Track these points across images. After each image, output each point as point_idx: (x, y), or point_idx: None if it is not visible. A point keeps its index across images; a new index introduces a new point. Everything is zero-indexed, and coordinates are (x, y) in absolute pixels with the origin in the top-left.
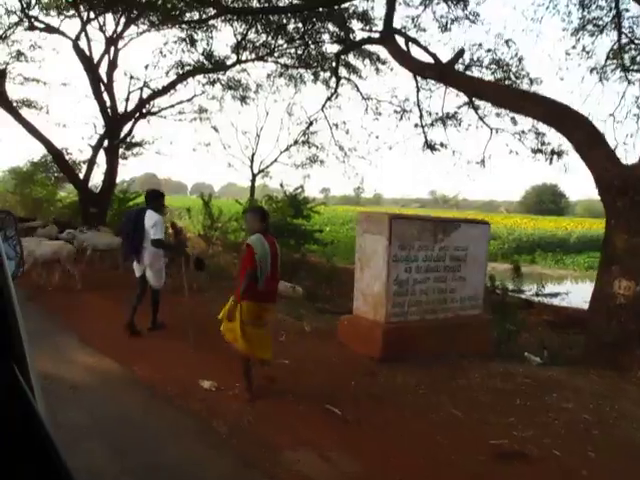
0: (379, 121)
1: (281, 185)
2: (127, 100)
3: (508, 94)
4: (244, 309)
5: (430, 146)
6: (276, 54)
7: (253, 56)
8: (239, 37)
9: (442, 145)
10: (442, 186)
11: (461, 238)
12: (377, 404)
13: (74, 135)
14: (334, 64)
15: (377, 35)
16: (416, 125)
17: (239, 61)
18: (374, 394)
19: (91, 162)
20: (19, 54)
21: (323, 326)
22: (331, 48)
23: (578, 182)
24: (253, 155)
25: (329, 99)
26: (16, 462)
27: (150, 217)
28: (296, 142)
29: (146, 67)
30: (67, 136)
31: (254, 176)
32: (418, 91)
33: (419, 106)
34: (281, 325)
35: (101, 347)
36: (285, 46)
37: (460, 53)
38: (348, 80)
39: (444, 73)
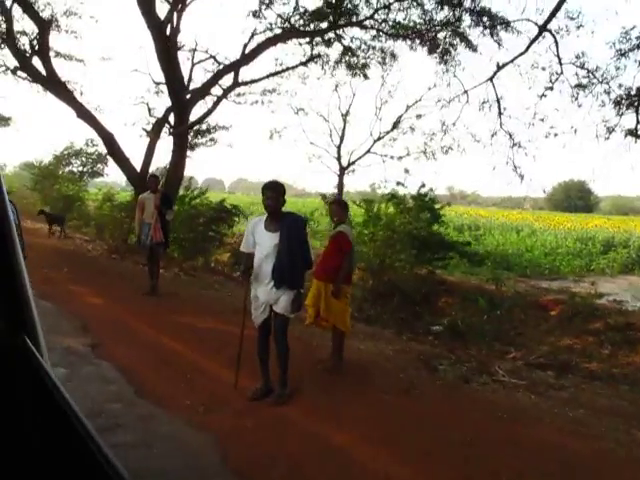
0: (546, 99)
1: (399, 183)
2: (190, 74)
3: None
4: (347, 292)
5: (634, 133)
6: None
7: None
8: None
9: None
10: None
11: None
12: None
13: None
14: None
15: None
16: (618, 102)
17: (335, 25)
18: None
19: (149, 151)
20: (52, 21)
21: None
22: None
23: (604, 178)
24: (340, 144)
25: (504, 64)
26: (37, 433)
27: None
28: (394, 127)
29: (254, 14)
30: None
31: (342, 169)
32: None
33: None
34: None
35: None
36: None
37: None
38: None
39: None
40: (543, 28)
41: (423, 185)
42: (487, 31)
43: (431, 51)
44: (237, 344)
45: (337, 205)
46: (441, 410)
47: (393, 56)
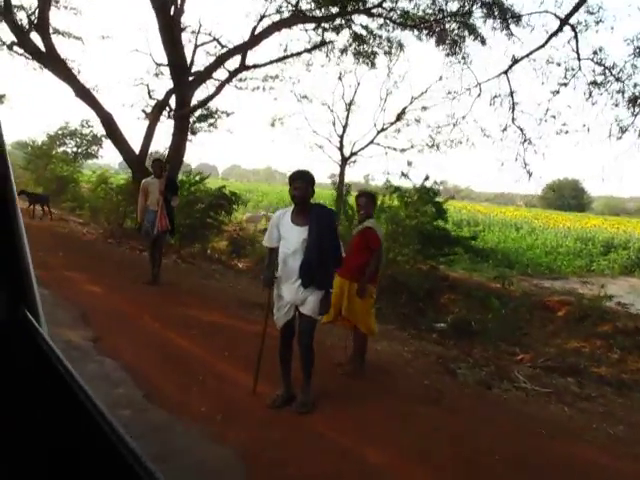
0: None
1: (403, 174)
2: (193, 57)
3: None
4: (372, 292)
5: None
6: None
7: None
8: None
9: None
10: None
11: None
12: None
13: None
14: None
15: None
16: (634, 101)
17: (343, 12)
18: None
19: (149, 134)
20: None
21: None
22: None
23: (598, 178)
24: (343, 133)
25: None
26: (38, 401)
27: None
28: (399, 119)
29: None
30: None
31: (344, 160)
32: None
33: None
34: None
35: None
36: None
37: None
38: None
39: None
40: (565, 21)
41: (427, 178)
42: (501, 24)
43: (439, 42)
44: (249, 342)
45: (365, 198)
46: (477, 424)
47: (400, 46)
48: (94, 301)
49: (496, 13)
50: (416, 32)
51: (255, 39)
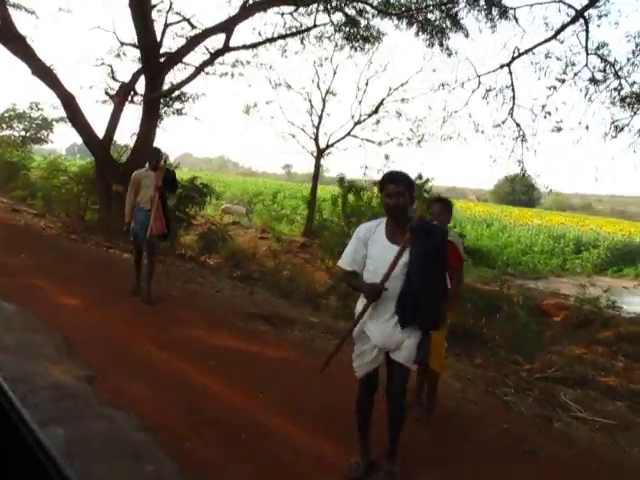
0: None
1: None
2: (162, 37)
3: None
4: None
5: None
6: None
7: None
8: None
9: None
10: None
11: None
12: None
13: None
14: None
15: None
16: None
17: None
18: None
19: (114, 118)
20: None
21: None
22: None
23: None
24: (319, 125)
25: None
26: None
27: None
28: (376, 111)
29: None
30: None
31: (320, 152)
32: None
33: None
34: None
35: None
36: None
37: None
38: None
39: None
40: (580, 14)
41: (420, 177)
42: (485, 16)
43: (420, 32)
44: (279, 375)
45: (440, 205)
46: None
47: (379, 34)
48: (74, 319)
49: (482, 4)
50: (396, 21)
51: (242, 15)
